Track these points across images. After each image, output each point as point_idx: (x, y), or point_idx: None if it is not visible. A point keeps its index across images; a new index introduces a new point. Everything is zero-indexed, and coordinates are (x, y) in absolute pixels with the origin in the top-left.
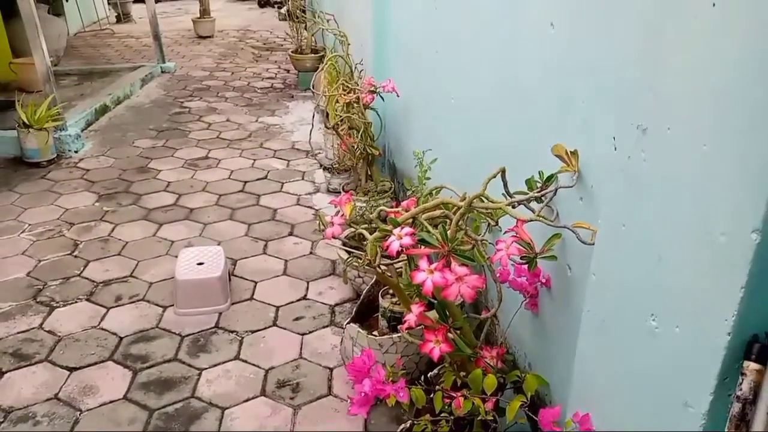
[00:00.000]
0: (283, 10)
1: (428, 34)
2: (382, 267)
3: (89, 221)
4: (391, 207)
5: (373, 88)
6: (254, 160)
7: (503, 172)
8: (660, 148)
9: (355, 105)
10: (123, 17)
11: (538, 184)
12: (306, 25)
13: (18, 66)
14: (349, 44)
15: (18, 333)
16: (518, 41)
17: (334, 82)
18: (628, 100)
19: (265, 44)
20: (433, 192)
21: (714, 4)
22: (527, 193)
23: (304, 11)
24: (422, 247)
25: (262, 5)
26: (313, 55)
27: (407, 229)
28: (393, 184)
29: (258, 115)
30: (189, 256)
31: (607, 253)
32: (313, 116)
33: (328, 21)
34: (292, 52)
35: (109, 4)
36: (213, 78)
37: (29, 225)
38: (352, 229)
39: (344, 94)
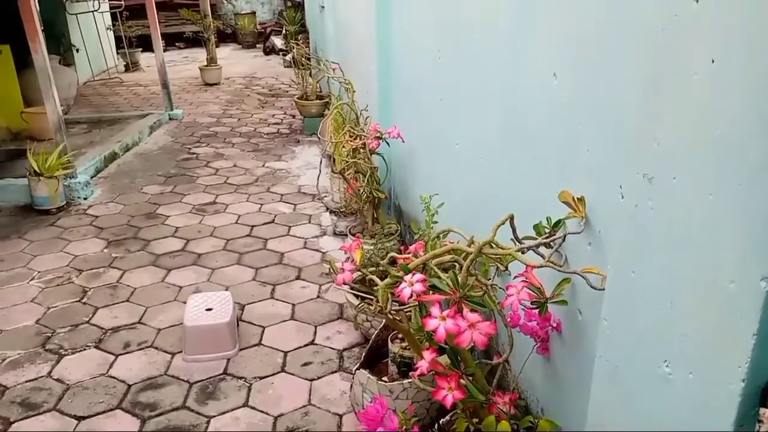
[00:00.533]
0: (288, 58)
1: (432, 82)
2: (393, 314)
3: (98, 268)
4: (399, 249)
5: (378, 134)
6: (261, 204)
7: (512, 218)
8: (666, 196)
9: (362, 150)
10: (132, 66)
11: (546, 230)
12: (311, 72)
13: (29, 115)
14: (354, 91)
15: (26, 382)
16: (522, 90)
17: (341, 128)
18: (633, 149)
19: (270, 91)
20: (441, 236)
21: (713, 61)
22: (536, 238)
23: (308, 58)
24: (433, 293)
25: (267, 53)
26: (318, 101)
27: (418, 276)
28: (399, 226)
29: (265, 160)
30: (197, 302)
31: (617, 299)
32: (321, 162)
33: (333, 70)
34: (297, 98)
35: (118, 53)
36: (220, 124)
37: (38, 272)
38: (361, 273)
39: (351, 140)
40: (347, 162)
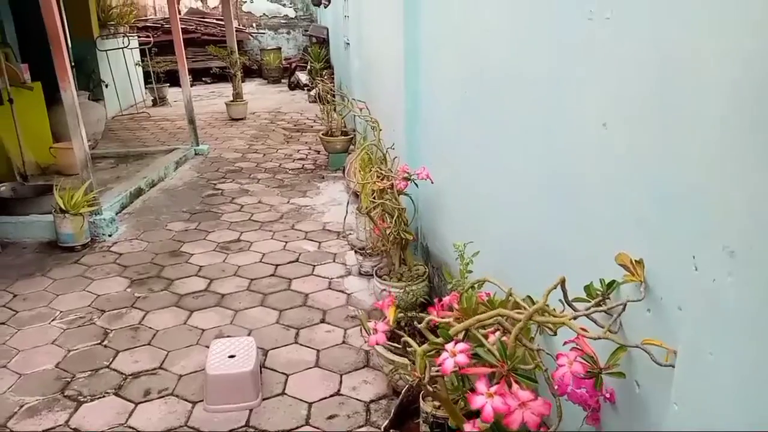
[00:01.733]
0: (313, 93)
1: (466, 125)
2: (433, 385)
3: (120, 308)
4: (427, 294)
5: (407, 175)
6: (286, 242)
7: (563, 282)
8: (753, 274)
9: (389, 191)
10: (159, 101)
11: (599, 292)
12: (335, 108)
13: (58, 150)
14: (380, 130)
15: (43, 431)
16: (565, 137)
17: (367, 167)
18: (710, 215)
19: (295, 126)
20: (475, 286)
21: None
22: (588, 301)
23: (333, 94)
24: (478, 364)
25: (292, 88)
26: (343, 137)
27: (461, 345)
28: (427, 268)
29: (290, 196)
30: (220, 348)
31: (691, 382)
32: (347, 203)
33: (360, 109)
34: (322, 134)
35: (146, 88)
36: (245, 160)
37: (60, 312)
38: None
39: (378, 181)
40: (374, 202)
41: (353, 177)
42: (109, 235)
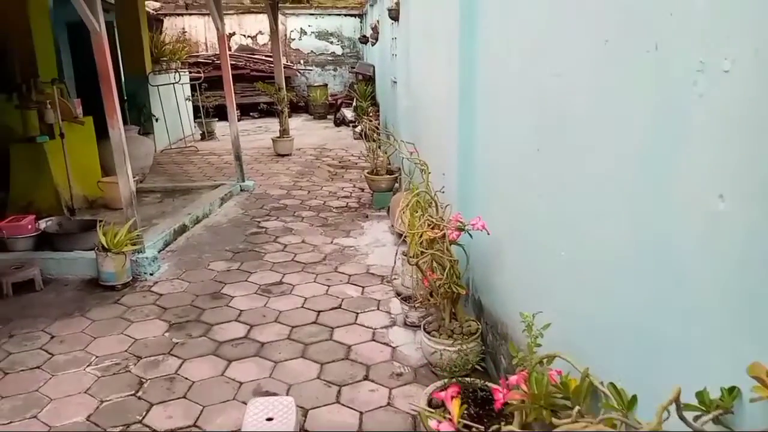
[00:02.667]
0: (358, 130)
1: (528, 175)
2: None
3: (157, 354)
4: (479, 351)
5: (461, 225)
6: (328, 285)
7: (678, 396)
8: None
9: (440, 241)
10: (207, 134)
11: (719, 403)
12: (380, 146)
13: (105, 184)
14: (429, 173)
15: None
16: (665, 207)
17: (416, 212)
18: None
19: (340, 162)
20: (544, 361)
21: None
22: (702, 410)
23: (378, 132)
24: None
25: (337, 124)
26: (388, 176)
27: None
28: (480, 324)
29: (333, 236)
30: (257, 409)
31: None
32: (397, 251)
33: (411, 153)
34: (367, 172)
35: (195, 122)
36: (290, 197)
37: (96, 357)
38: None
39: (429, 230)
40: (423, 252)
41: (399, 219)
42: (151, 274)
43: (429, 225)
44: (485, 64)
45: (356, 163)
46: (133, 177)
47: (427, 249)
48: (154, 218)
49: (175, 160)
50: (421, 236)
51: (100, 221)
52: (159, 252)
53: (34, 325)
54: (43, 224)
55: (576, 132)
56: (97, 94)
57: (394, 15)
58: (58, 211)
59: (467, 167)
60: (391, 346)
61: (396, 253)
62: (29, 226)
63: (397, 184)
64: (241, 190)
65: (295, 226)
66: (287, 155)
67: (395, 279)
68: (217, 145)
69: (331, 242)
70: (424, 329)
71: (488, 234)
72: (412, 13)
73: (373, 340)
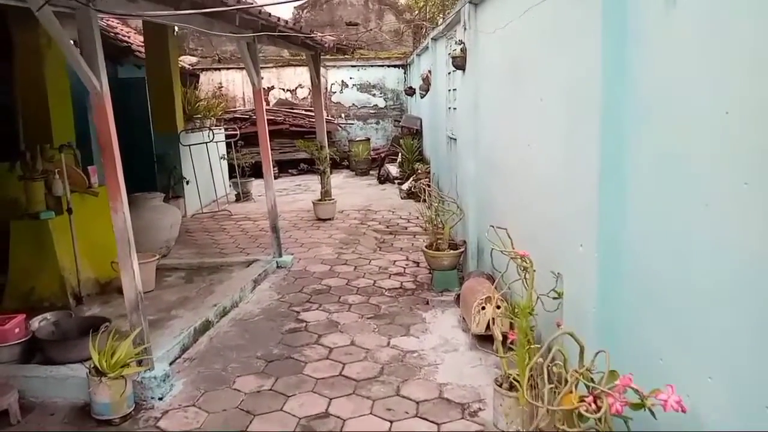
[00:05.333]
0: (405, 187)
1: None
2: None
3: None
4: None
5: (640, 399)
6: (390, 421)
7: None
8: None
9: (592, 414)
10: (242, 195)
11: None
12: (436, 212)
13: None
14: (534, 271)
15: None
16: None
17: (525, 354)
18: None
19: (388, 227)
20: None
21: None
22: None
23: (437, 197)
24: None
25: (381, 181)
26: (451, 251)
27: None
28: None
29: (389, 333)
30: None
31: None
32: (483, 364)
33: (521, 257)
34: (426, 247)
35: (230, 181)
36: (333, 274)
37: None
38: None
39: (573, 398)
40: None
41: (476, 317)
42: (160, 398)
43: (570, 392)
44: (645, 123)
45: (406, 228)
46: (157, 250)
47: (568, 428)
48: (174, 307)
49: (206, 227)
50: (559, 406)
51: (107, 323)
52: (171, 364)
53: None
54: (36, 324)
55: None
56: (124, 158)
57: (459, 63)
58: (63, 299)
59: (613, 279)
60: None
61: (483, 363)
62: (16, 330)
63: (460, 261)
64: (278, 267)
65: (341, 318)
66: (329, 219)
67: (480, 410)
68: (252, 208)
69: (388, 344)
70: None
71: (683, 412)
72: (487, 60)
73: None
